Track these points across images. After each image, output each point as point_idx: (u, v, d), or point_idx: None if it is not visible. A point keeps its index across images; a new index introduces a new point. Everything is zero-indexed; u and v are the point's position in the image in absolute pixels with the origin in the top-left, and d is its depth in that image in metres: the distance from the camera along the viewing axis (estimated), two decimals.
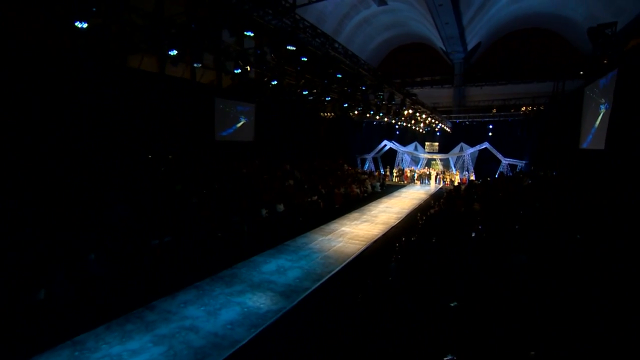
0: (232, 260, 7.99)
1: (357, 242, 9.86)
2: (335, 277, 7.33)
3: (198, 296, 6.21)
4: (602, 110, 8.58)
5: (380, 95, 10.97)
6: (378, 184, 20.95)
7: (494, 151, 22.28)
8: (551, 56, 22.26)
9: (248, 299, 6.15)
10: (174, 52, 6.77)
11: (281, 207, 12.06)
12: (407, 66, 27.94)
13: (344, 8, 23.46)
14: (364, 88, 10.44)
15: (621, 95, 7.35)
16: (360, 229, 11.36)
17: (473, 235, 6.16)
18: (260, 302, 6.07)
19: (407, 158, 27.53)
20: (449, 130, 24.20)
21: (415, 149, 27.09)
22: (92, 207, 7.94)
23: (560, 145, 12.85)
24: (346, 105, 13.54)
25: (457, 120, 23.01)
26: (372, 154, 28.09)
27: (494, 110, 19.74)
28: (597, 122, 8.72)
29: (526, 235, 5.38)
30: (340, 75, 8.97)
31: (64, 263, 6.16)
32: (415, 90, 21.35)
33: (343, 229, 11.29)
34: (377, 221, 12.51)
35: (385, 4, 23.39)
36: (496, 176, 21.95)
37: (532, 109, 17.07)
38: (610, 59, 9.63)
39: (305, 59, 6.87)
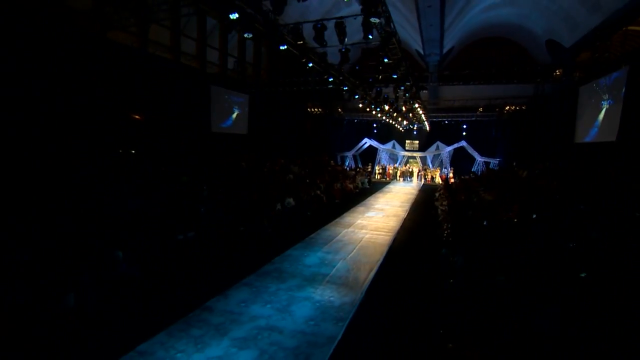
0: (267, 255, 7.30)
1: (382, 233, 9.67)
2: (385, 265, 7.02)
3: (254, 293, 5.50)
4: (605, 106, 9.51)
5: (402, 87, 10.93)
6: (366, 180, 21.08)
7: (470, 150, 23.62)
8: (512, 63, 24.25)
9: (312, 293, 5.59)
10: (234, 16, 5.86)
11: (291, 201, 11.48)
12: (379, 65, 28.57)
13: (327, 5, 23.37)
14: (395, 77, 10.30)
15: (633, 90, 8.17)
16: (377, 221, 11.19)
17: (534, 216, 6.28)
18: (327, 295, 5.55)
19: (385, 156, 28.15)
20: (427, 129, 25.19)
21: (393, 146, 27.79)
22: (101, 201, 6.73)
23: (554, 141, 14.00)
24: (357, 96, 13.32)
25: (436, 119, 23.98)
26: (352, 152, 28.24)
27: (481, 109, 20.87)
28: (601, 116, 9.64)
29: (590, 215, 5.60)
30: (387, 60, 8.71)
31: (88, 263, 5.08)
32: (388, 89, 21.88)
33: (359, 221, 11.02)
34: (387, 214, 12.45)
35: None
36: (471, 172, 23.27)
37: (516, 108, 18.35)
38: (615, 60, 10.60)
39: (371, 36, 6.51)
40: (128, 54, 10.73)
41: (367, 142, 27.79)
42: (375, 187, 20.53)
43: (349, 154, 28.32)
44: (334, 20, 7.00)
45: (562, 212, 5.95)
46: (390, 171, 25.84)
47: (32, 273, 4.45)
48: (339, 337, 4.35)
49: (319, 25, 6.90)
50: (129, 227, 6.22)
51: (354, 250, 7.95)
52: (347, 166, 27.37)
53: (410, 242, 8.94)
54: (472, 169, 23.66)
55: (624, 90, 8.59)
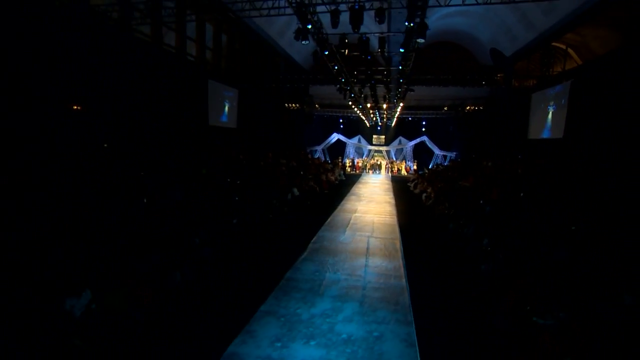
0: (303, 236, 8.20)
1: (386, 216, 11.10)
2: (405, 239, 8.36)
3: (319, 265, 6.44)
4: (550, 110, 12.20)
5: (400, 88, 12.38)
6: (342, 172, 22.55)
7: (430, 144, 26.48)
8: (461, 66, 27.56)
9: (366, 262, 6.72)
10: (309, 26, 6.40)
11: (296, 192, 12.35)
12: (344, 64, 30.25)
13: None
14: (402, 81, 11.66)
15: (574, 100, 10.79)
16: (375, 207, 12.60)
17: (521, 195, 8.17)
18: (378, 262, 6.73)
19: (352, 150, 30.04)
20: (392, 124, 27.51)
21: (359, 141, 29.77)
22: (153, 192, 7.01)
23: (508, 137, 16.86)
24: (353, 95, 14.50)
25: (402, 116, 26.31)
26: (322, 146, 29.54)
27: (445, 108, 23.43)
28: (549, 118, 12.32)
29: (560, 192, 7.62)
30: (401, 68, 9.97)
31: (180, 247, 5.57)
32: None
33: (360, 208, 12.33)
34: (378, 201, 13.95)
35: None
36: (430, 166, 26.09)
37: (474, 108, 21.21)
38: (558, 75, 13.36)
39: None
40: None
41: (335, 136, 29.35)
42: (350, 179, 22.06)
43: (319, 148, 29.58)
44: None
45: (541, 191, 7.93)
46: (360, 164, 27.69)
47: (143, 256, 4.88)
48: (408, 287, 5.58)
49: (365, 38, 7.93)
50: (195, 215, 6.67)
51: (373, 230, 9.22)
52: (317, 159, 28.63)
53: (412, 222, 10.49)
54: (432, 162, 26.59)
55: (564, 99, 11.26)
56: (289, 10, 11.33)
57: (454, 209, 9.38)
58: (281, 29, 23.09)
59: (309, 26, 6.89)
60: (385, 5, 7.59)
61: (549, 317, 3.78)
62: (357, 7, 6.39)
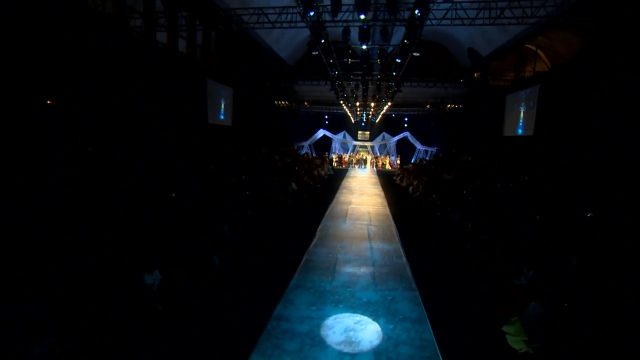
0: (311, 226, 9.13)
1: (379, 207, 12.20)
2: (399, 226, 9.47)
3: (329, 249, 7.39)
4: (522, 110, 13.73)
5: (391, 89, 13.42)
6: (330, 167, 23.56)
7: (413, 140, 27.97)
8: (442, 66, 29.08)
9: (369, 245, 7.75)
10: (323, 40, 7.25)
11: (294, 186, 13.22)
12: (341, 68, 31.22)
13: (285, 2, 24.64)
14: (392, 84, 12.65)
15: (542, 102, 12.31)
16: (367, 199, 13.68)
17: (498, 185, 9.46)
18: (379, 245, 7.77)
19: (338, 145, 31.14)
20: (376, 120, 28.76)
21: (344, 137, 30.89)
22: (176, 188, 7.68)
23: (485, 133, 18.44)
24: (345, 95, 15.41)
25: (386, 113, 27.58)
26: (309, 142, 30.40)
27: (428, 106, 24.77)
28: (522, 117, 13.85)
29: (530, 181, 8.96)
30: (395, 74, 10.94)
31: (213, 235, 6.36)
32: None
33: (354, 200, 13.38)
34: (369, 193, 15.06)
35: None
36: (413, 160, 27.61)
37: (455, 106, 22.72)
38: (529, 79, 14.88)
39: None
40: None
41: (321, 132, 30.30)
42: (338, 173, 23.10)
43: (306, 144, 30.42)
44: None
45: (514, 181, 9.25)
46: (346, 159, 28.79)
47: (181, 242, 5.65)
48: (408, 263, 6.66)
49: (367, 50, 8.86)
50: (218, 207, 7.43)
51: (371, 220, 10.28)
52: (305, 154, 29.48)
53: (402, 211, 11.64)
54: (415, 156, 28.13)
55: (532, 102, 12.81)
56: (296, 22, 12.03)
57: (440, 199, 10.60)
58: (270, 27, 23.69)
59: (323, 40, 7.78)
60: (387, 24, 8.55)
61: (523, 278, 4.95)
62: (365, 27, 7.36)
